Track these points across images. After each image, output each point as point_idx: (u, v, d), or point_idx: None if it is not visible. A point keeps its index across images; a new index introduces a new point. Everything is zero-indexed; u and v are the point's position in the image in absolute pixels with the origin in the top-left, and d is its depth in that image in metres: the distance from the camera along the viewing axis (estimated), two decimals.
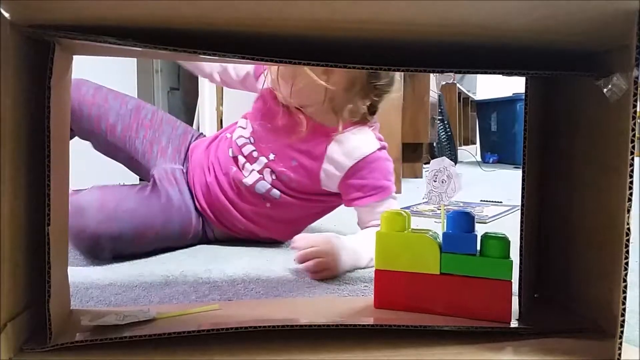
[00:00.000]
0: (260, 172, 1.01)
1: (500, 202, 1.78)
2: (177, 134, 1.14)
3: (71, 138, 1.10)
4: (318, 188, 1.00)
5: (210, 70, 1.13)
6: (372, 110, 1.00)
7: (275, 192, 1.01)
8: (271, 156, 1.01)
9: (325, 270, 0.81)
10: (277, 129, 1.00)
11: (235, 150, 1.04)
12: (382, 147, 1.00)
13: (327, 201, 1.05)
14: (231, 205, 1.04)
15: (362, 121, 0.99)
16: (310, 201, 1.03)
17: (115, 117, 1.07)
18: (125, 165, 1.15)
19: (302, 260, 0.82)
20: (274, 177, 1.01)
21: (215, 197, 1.04)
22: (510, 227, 1.17)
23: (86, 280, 0.78)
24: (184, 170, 1.09)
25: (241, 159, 1.03)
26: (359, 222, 0.99)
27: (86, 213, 0.87)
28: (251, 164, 1.02)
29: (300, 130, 0.97)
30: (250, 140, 1.03)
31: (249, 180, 1.01)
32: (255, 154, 1.02)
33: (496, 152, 4.37)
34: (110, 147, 1.09)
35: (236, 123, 1.10)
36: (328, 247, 0.82)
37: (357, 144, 0.97)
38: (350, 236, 0.92)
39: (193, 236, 1.05)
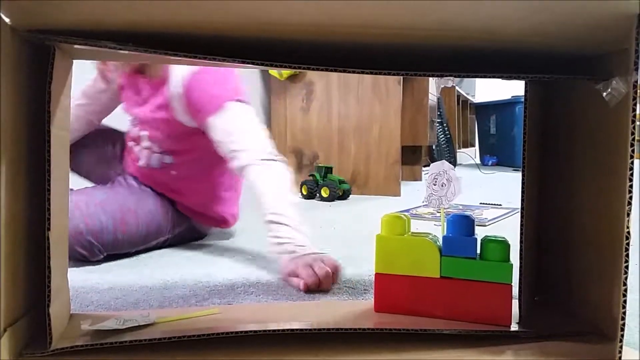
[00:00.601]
0: (148, 148, 1.07)
1: (500, 204, 1.78)
2: None
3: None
4: (192, 129, 1.02)
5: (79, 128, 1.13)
6: None
7: (167, 157, 1.06)
8: (147, 128, 1.06)
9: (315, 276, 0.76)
10: (137, 103, 1.06)
11: (128, 139, 1.12)
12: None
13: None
14: (157, 186, 1.09)
15: None
16: (200, 147, 1.05)
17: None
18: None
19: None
20: (157, 145, 1.06)
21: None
22: (509, 229, 1.17)
23: (86, 285, 0.78)
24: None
25: (131, 144, 1.10)
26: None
27: None
28: (139, 144, 1.08)
29: (146, 92, 1.03)
30: (132, 124, 1.10)
31: (142, 162, 1.08)
32: (138, 133, 1.08)
33: (495, 155, 4.38)
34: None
35: None
36: (301, 260, 0.78)
37: (173, 74, 0.99)
38: (275, 223, 0.86)
39: (174, 220, 1.08)
